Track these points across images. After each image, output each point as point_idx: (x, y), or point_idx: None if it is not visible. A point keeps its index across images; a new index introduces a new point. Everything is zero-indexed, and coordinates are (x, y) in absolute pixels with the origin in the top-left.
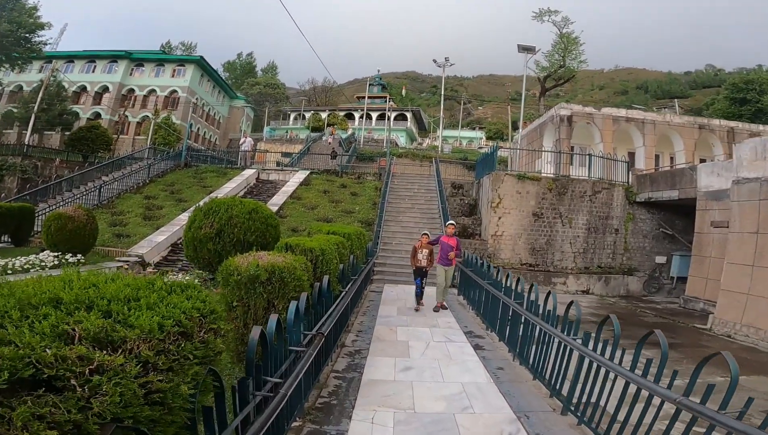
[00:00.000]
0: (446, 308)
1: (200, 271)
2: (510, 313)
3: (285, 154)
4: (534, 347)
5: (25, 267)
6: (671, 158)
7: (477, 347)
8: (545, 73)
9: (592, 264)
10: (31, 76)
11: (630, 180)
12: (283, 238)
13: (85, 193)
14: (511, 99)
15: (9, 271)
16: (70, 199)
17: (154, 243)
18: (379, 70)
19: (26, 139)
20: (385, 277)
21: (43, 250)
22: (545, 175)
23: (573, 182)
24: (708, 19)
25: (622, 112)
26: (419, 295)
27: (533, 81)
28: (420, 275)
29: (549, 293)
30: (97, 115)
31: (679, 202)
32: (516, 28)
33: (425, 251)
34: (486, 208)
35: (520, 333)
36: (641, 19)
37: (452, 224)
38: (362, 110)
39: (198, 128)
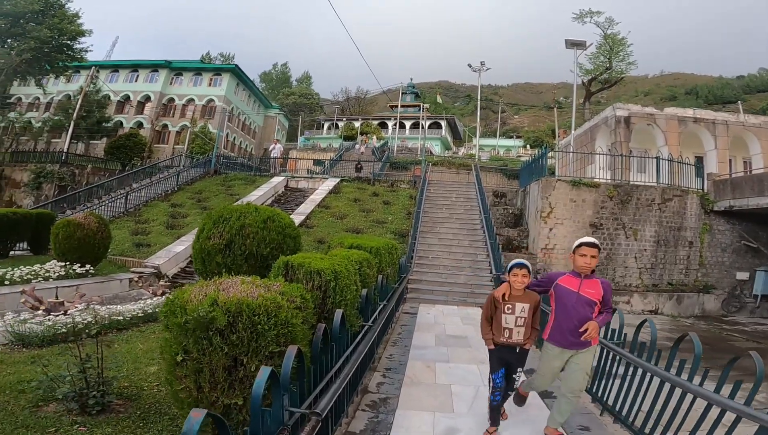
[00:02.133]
0: None
1: None
2: None
3: (317, 163)
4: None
5: (26, 277)
6: (745, 163)
7: (543, 393)
8: (590, 76)
9: (661, 281)
10: (79, 84)
11: (705, 186)
12: (305, 251)
13: (111, 200)
14: (549, 107)
15: (6, 281)
16: (96, 207)
17: (173, 253)
18: (411, 79)
19: (65, 147)
20: (420, 296)
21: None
22: (604, 181)
23: (638, 189)
24: (759, 22)
25: (689, 112)
26: (496, 405)
27: (570, 88)
28: (504, 363)
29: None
30: (140, 125)
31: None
32: (552, 35)
33: (519, 308)
34: (534, 218)
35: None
36: (685, 23)
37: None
38: (395, 119)
39: (234, 137)
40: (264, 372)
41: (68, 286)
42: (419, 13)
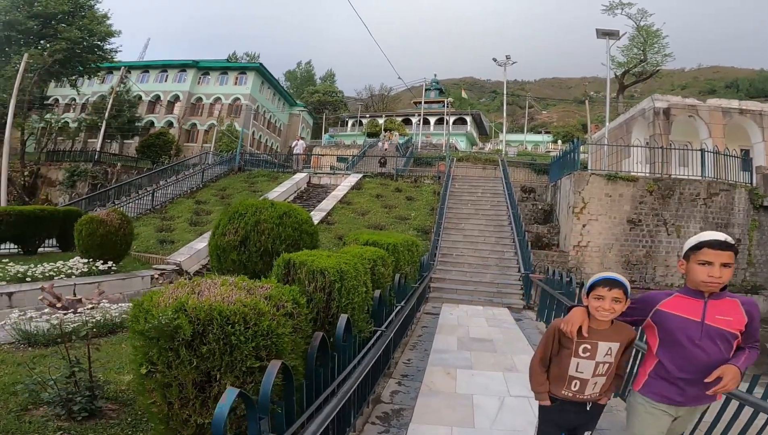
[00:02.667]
0: None
1: None
2: None
3: (340, 159)
4: None
5: (49, 274)
6: None
7: None
8: (623, 68)
9: None
10: (111, 85)
11: (754, 180)
12: (324, 248)
13: (139, 198)
14: (579, 101)
15: (28, 278)
16: (123, 204)
17: (194, 250)
18: (435, 75)
19: (97, 146)
20: (443, 296)
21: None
22: (643, 174)
23: (681, 183)
24: None
25: (734, 104)
26: None
27: (601, 83)
28: (566, 426)
29: None
30: (170, 124)
31: None
32: (581, 29)
33: (604, 349)
34: (565, 214)
35: None
36: (723, 15)
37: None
38: (419, 115)
39: (260, 135)
40: (228, 395)
41: (89, 283)
42: (443, 8)
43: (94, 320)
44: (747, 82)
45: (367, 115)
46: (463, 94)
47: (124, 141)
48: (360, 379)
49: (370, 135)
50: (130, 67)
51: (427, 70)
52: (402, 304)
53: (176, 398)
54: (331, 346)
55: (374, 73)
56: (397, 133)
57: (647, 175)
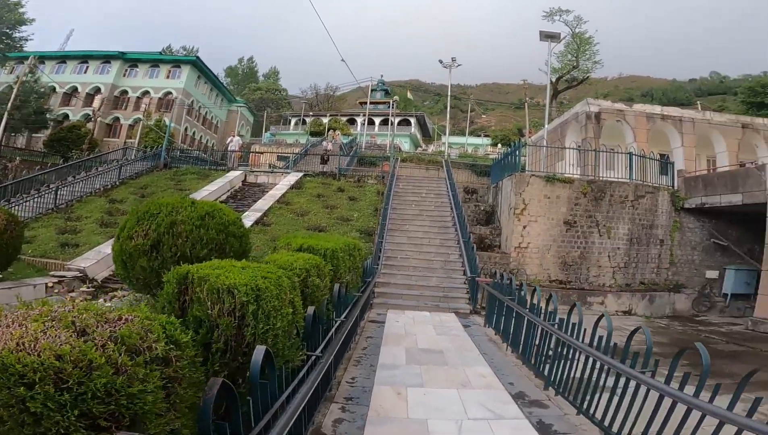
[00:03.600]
0: None
1: (139, 294)
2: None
3: (281, 158)
4: None
5: None
6: (709, 161)
7: (543, 428)
8: (557, 74)
9: (634, 280)
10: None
11: (676, 183)
12: (258, 252)
13: (39, 195)
14: (516, 106)
15: None
16: (19, 203)
17: (103, 254)
18: (382, 75)
19: None
20: (388, 301)
21: None
22: (578, 177)
23: (612, 185)
24: (710, 27)
25: (657, 109)
26: None
27: (535, 89)
28: None
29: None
30: (88, 117)
31: (740, 209)
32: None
33: None
34: (507, 215)
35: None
36: (642, 28)
37: None
38: (364, 115)
39: (194, 132)
40: None
41: None
42: (388, 11)
43: None
44: (660, 92)
45: (311, 114)
46: (409, 95)
47: (33, 135)
48: (290, 426)
49: (313, 134)
50: (45, 57)
51: (373, 71)
52: (342, 318)
53: None
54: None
55: (321, 72)
56: (340, 133)
57: (581, 177)
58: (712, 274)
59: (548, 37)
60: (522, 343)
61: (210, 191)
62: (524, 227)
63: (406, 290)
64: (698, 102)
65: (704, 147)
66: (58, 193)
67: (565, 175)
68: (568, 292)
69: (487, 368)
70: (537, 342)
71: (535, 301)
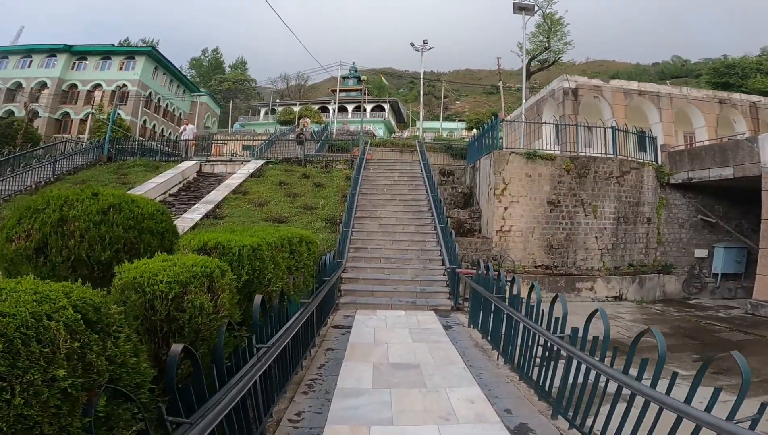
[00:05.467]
0: None
1: None
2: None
3: (246, 147)
4: None
5: None
6: (686, 137)
7: None
8: (530, 55)
9: (623, 262)
10: None
11: (659, 158)
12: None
13: None
14: (489, 92)
15: None
16: None
17: None
18: (354, 62)
19: None
20: (357, 300)
21: None
22: (559, 153)
23: (596, 161)
24: (672, 11)
25: (634, 85)
26: None
27: (508, 75)
28: None
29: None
30: (36, 113)
31: (729, 184)
32: (492, 24)
33: None
34: (487, 196)
35: None
36: (607, 12)
37: None
38: (336, 103)
39: (153, 124)
40: None
41: None
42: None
43: None
44: (626, 75)
45: (281, 103)
46: (383, 81)
47: None
48: None
49: (283, 123)
50: None
51: (346, 59)
52: (270, 343)
53: None
54: None
55: (291, 61)
56: (310, 120)
57: (567, 153)
58: (701, 252)
59: (522, 9)
60: (518, 352)
61: (157, 184)
62: (505, 209)
63: (378, 286)
64: (667, 83)
65: (681, 123)
66: None
67: (547, 151)
68: (555, 278)
69: (476, 389)
70: (537, 352)
71: (533, 301)
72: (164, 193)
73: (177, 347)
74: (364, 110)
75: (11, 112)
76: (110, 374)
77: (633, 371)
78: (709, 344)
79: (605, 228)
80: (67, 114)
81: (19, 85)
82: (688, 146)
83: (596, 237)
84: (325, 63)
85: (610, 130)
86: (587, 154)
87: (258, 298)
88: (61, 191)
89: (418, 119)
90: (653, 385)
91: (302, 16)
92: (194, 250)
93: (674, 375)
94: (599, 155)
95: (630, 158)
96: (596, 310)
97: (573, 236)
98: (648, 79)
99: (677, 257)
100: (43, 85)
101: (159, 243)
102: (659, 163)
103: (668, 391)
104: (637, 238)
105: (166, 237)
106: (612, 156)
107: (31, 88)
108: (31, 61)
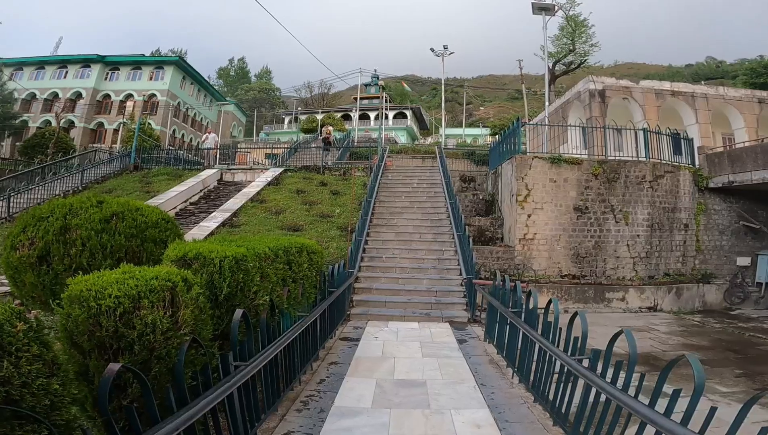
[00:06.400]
0: None
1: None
2: None
3: (269, 156)
4: None
5: None
6: (725, 139)
7: None
8: (553, 59)
9: (657, 271)
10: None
11: (697, 161)
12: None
13: None
14: (513, 98)
15: None
16: None
17: None
18: (375, 70)
19: None
20: (369, 311)
21: None
22: (586, 157)
23: (626, 165)
24: (706, 12)
25: (666, 85)
26: None
27: (532, 79)
28: None
29: None
30: (71, 123)
31: None
32: (515, 28)
33: None
34: (509, 203)
35: None
36: (637, 14)
37: None
38: (357, 110)
39: (182, 134)
40: None
41: None
42: (384, 7)
43: None
44: (658, 78)
45: (301, 111)
46: (405, 87)
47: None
48: None
49: (306, 131)
50: (24, 64)
51: (368, 66)
52: (254, 359)
53: None
54: None
55: (313, 70)
56: (332, 128)
57: (594, 157)
58: (743, 260)
59: (541, 9)
60: (534, 370)
61: (178, 192)
62: (529, 216)
63: (392, 297)
64: (702, 84)
65: (719, 124)
66: (11, 201)
67: (573, 155)
68: (583, 288)
69: (485, 411)
70: (555, 368)
71: (550, 317)
72: (185, 201)
73: (113, 367)
74: (385, 117)
75: (48, 122)
76: (5, 395)
77: (662, 402)
78: (753, 358)
79: (638, 235)
80: (101, 124)
81: (55, 96)
82: (727, 148)
83: (628, 245)
84: (346, 70)
85: (641, 132)
86: (617, 158)
87: (238, 313)
88: (67, 199)
89: (441, 126)
90: (685, 420)
91: (324, 25)
92: (173, 261)
93: (713, 410)
94: (630, 158)
95: (664, 161)
96: (621, 332)
97: (602, 244)
98: (681, 81)
99: (718, 265)
100: (79, 96)
101: (162, 252)
102: (696, 166)
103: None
104: (673, 246)
105: (170, 245)
106: (644, 159)
107: (66, 99)
108: (66, 72)
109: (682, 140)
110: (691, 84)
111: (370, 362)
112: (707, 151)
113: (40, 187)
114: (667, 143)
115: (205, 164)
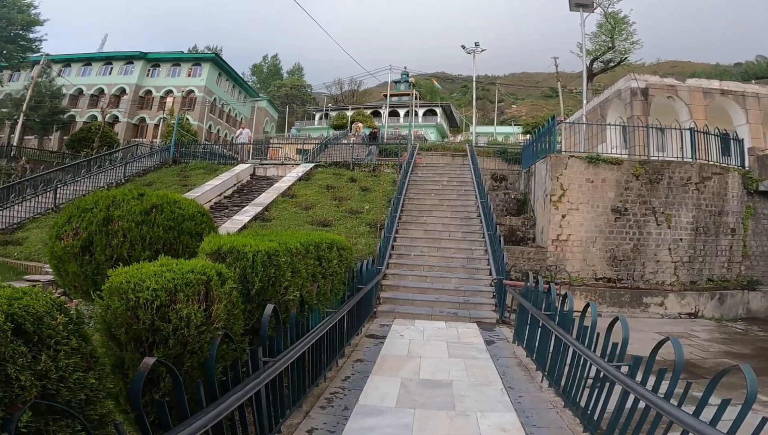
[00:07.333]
0: None
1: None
2: None
3: (300, 151)
4: None
5: None
6: None
7: None
8: (591, 56)
9: (700, 277)
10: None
11: (747, 163)
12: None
13: (35, 194)
14: (547, 96)
15: None
16: (15, 203)
17: None
18: (405, 67)
19: (15, 141)
20: (396, 308)
21: None
22: (627, 157)
23: (670, 166)
24: (755, 8)
25: (715, 84)
26: None
27: (568, 77)
28: None
29: None
30: (116, 118)
31: None
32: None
33: None
34: (542, 203)
35: None
36: (682, 11)
37: None
38: (386, 107)
39: (218, 129)
40: None
41: None
42: (415, 3)
43: None
44: (704, 76)
45: (332, 108)
46: (436, 84)
47: (45, 136)
48: None
49: (336, 127)
50: (72, 60)
51: (398, 63)
52: (282, 356)
53: None
54: None
55: (345, 67)
56: (362, 125)
57: (632, 157)
58: None
59: (579, 5)
60: (565, 374)
61: (213, 186)
62: (563, 217)
63: (419, 295)
64: (752, 83)
65: None
66: (58, 192)
67: (612, 155)
68: (619, 292)
69: (512, 414)
70: (589, 373)
71: (586, 321)
72: (219, 195)
73: (148, 361)
74: (415, 114)
75: (94, 117)
76: (41, 389)
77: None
78: None
79: (681, 239)
80: (143, 119)
81: (101, 91)
82: None
83: (669, 248)
84: (377, 67)
85: (687, 131)
86: (660, 158)
87: (269, 308)
88: (111, 191)
89: (472, 123)
90: (732, 432)
91: (355, 21)
92: (208, 254)
93: (764, 421)
94: (674, 159)
95: (711, 162)
96: (666, 339)
97: (642, 247)
98: (729, 80)
99: (765, 272)
100: (123, 91)
101: (197, 244)
102: (746, 168)
103: None
104: (718, 251)
105: (204, 238)
106: (690, 160)
107: (111, 94)
108: (111, 68)
109: (731, 141)
110: (741, 83)
111: (395, 361)
112: (758, 153)
113: (86, 180)
114: (715, 144)
115: (239, 159)
